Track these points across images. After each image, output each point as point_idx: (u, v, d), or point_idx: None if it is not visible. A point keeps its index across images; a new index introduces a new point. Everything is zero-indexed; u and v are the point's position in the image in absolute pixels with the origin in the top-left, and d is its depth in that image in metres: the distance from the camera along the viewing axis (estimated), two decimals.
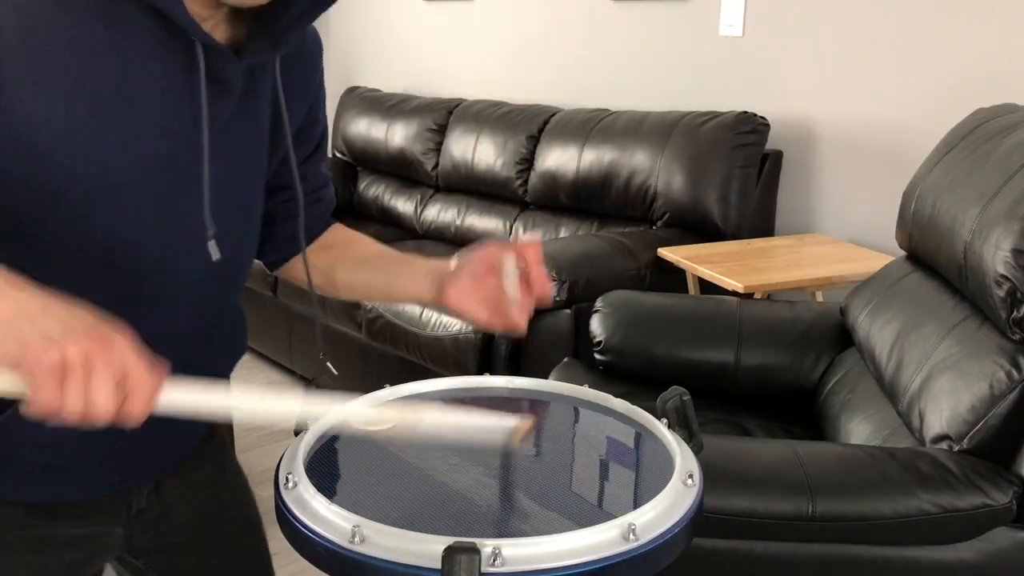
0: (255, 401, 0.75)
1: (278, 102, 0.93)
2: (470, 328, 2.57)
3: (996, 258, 1.45)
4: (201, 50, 0.81)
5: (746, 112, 2.72)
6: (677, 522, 0.69)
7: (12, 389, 0.66)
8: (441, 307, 1.03)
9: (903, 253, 1.96)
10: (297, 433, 0.82)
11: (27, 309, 0.67)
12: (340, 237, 1.13)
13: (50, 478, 0.91)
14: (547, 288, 0.94)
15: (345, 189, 4.00)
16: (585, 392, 0.95)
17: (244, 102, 0.89)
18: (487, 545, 0.62)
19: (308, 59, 0.99)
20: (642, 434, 0.87)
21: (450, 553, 0.60)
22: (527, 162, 3.26)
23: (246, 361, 3.63)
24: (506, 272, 0.92)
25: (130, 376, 0.67)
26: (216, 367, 0.99)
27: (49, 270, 0.76)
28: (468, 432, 0.80)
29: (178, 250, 0.87)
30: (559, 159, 3.09)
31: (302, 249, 1.01)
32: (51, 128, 0.76)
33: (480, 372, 1.97)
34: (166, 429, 0.84)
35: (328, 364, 1.13)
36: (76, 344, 0.64)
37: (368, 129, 3.89)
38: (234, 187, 0.91)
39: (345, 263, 1.09)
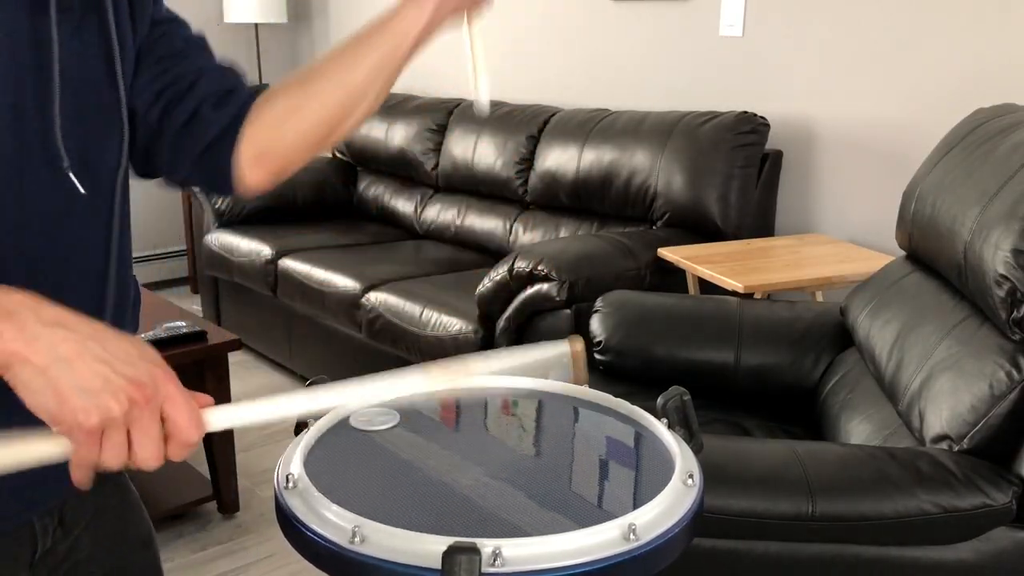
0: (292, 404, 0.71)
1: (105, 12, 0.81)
2: (470, 328, 2.57)
3: (996, 258, 1.45)
4: None
5: (746, 112, 2.72)
6: (677, 522, 0.69)
7: (54, 452, 0.61)
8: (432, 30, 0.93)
9: (903, 253, 1.96)
10: (298, 431, 0.82)
11: (63, 350, 0.60)
12: (269, 96, 0.92)
13: None
14: None
15: (345, 189, 4.00)
16: (585, 392, 0.95)
17: (92, 12, 0.80)
18: (487, 545, 0.62)
19: None
20: (642, 434, 0.87)
21: (450, 553, 0.60)
22: (527, 162, 3.26)
23: (245, 361, 3.63)
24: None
25: (172, 420, 0.63)
26: None
27: None
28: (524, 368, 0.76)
29: (35, 190, 0.75)
30: (559, 159, 3.09)
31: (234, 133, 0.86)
32: None
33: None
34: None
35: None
36: (117, 399, 0.60)
37: (368, 129, 3.90)
38: (81, 116, 0.79)
39: (304, 99, 0.89)
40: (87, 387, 0.59)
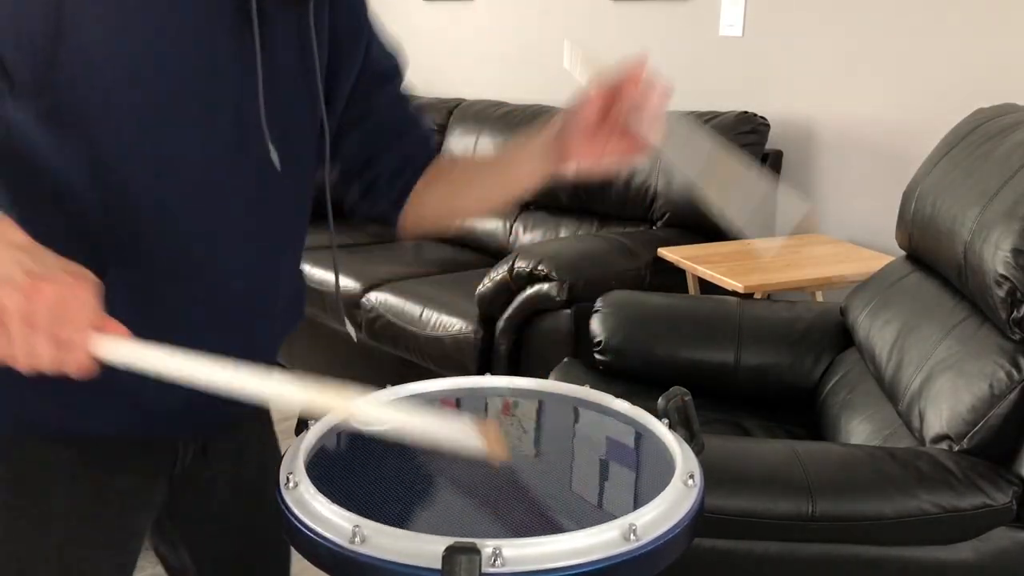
0: (232, 377, 0.74)
1: (323, 27, 0.95)
2: (470, 328, 2.57)
3: (996, 258, 1.45)
4: None
5: (746, 112, 2.72)
6: (678, 522, 0.69)
7: None
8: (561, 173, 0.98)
9: (903, 253, 1.96)
10: (299, 431, 0.82)
11: None
12: (439, 166, 1.10)
13: (101, 407, 0.90)
14: (664, 90, 0.88)
15: None
16: (585, 392, 0.94)
17: (293, 28, 0.91)
18: (487, 545, 0.62)
19: None
20: (643, 434, 0.86)
21: (450, 553, 0.60)
22: None
23: None
24: (634, 107, 0.85)
25: (70, 320, 0.67)
26: (270, 334, 1.02)
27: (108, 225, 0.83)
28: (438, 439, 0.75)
29: (236, 166, 0.89)
30: None
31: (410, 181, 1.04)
32: (110, 58, 0.79)
33: (480, 372, 1.97)
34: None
35: (349, 326, 1.11)
36: (15, 292, 0.65)
37: None
38: (286, 110, 0.92)
39: (453, 187, 1.07)
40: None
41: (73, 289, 0.68)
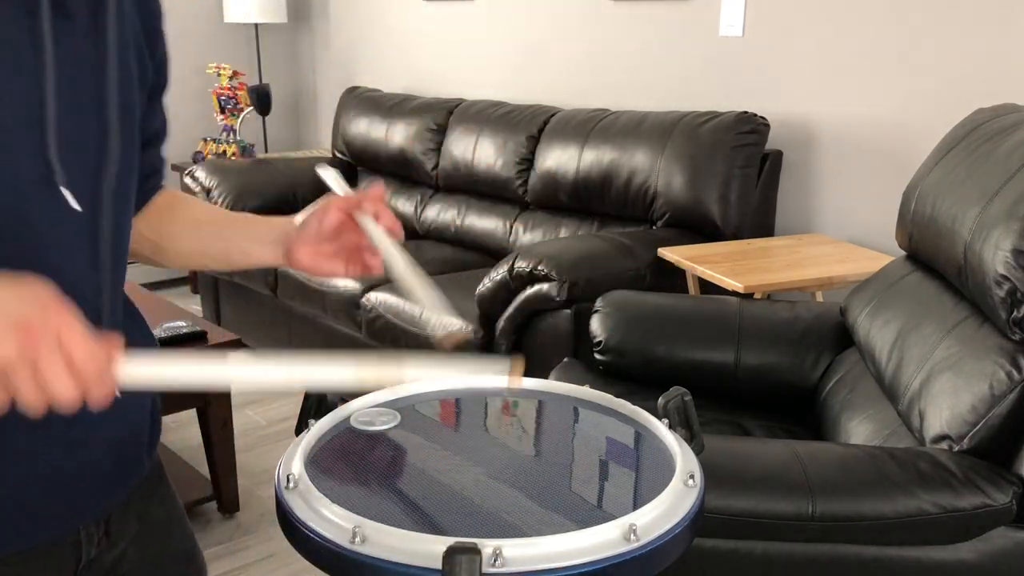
0: (245, 368, 0.71)
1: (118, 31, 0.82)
2: (470, 328, 2.57)
3: (996, 258, 1.45)
4: None
5: (746, 112, 2.72)
6: (678, 522, 0.69)
7: None
8: (288, 268, 1.02)
9: (903, 253, 1.96)
10: (299, 431, 0.82)
11: None
12: (169, 201, 1.02)
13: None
14: (399, 227, 0.93)
15: None
16: (585, 392, 0.94)
17: (90, 35, 0.79)
18: (488, 545, 0.62)
19: None
20: (643, 434, 0.87)
21: (451, 553, 0.60)
22: (527, 162, 3.26)
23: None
24: (367, 227, 0.92)
25: (75, 353, 0.63)
26: None
27: None
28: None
29: (28, 202, 0.75)
30: (559, 159, 3.09)
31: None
32: None
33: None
34: (115, 445, 0.81)
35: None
36: (6, 342, 0.61)
37: (368, 129, 3.90)
38: (84, 128, 0.79)
39: (174, 228, 1.01)
40: None
41: (60, 315, 0.64)
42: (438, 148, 3.64)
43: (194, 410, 2.52)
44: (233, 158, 4.30)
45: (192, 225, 1.02)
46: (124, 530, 0.94)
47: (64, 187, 0.76)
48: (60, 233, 0.78)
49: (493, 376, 0.86)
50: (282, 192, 3.72)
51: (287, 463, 0.77)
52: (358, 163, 4.06)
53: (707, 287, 2.45)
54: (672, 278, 2.53)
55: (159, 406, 0.99)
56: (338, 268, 0.95)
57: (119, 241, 0.86)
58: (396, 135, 3.78)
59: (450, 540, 0.61)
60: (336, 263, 0.95)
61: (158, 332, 2.35)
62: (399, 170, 3.83)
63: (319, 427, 0.84)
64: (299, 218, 0.96)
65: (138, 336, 0.93)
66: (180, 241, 1.01)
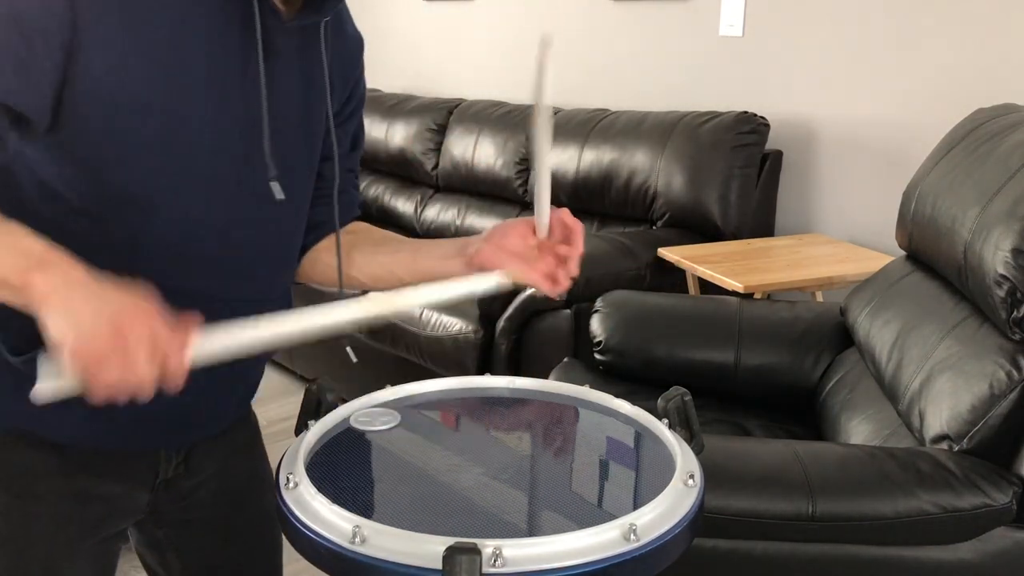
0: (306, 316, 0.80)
1: (323, 72, 0.97)
2: (470, 328, 2.57)
3: (996, 258, 1.45)
4: (257, 5, 0.87)
5: (746, 112, 2.72)
6: (678, 522, 0.69)
7: (71, 387, 0.73)
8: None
9: (903, 253, 1.96)
10: (299, 431, 0.82)
11: (61, 293, 0.73)
12: (359, 227, 1.14)
13: (84, 418, 0.91)
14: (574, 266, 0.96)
15: None
16: (585, 392, 0.95)
17: (296, 64, 0.94)
18: (488, 546, 0.62)
19: (351, 45, 1.04)
20: (643, 434, 0.87)
21: (451, 554, 0.60)
22: (527, 162, 3.26)
23: None
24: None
25: (159, 342, 0.72)
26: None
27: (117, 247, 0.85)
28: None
29: (239, 194, 0.91)
30: (559, 159, 3.09)
31: (335, 224, 1.04)
32: (121, 84, 0.81)
33: (480, 372, 1.97)
34: (199, 395, 0.87)
35: (349, 349, 1.12)
36: (102, 333, 0.70)
37: (368, 129, 3.89)
38: (290, 141, 0.95)
39: (365, 247, 1.09)
40: (83, 323, 0.71)
41: (146, 314, 0.73)
42: (438, 148, 3.64)
43: None
44: None
45: (381, 242, 1.11)
46: (204, 466, 1.06)
47: (276, 181, 0.92)
48: (270, 220, 0.95)
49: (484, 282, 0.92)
50: None
51: (287, 463, 0.77)
52: None
53: (707, 287, 2.45)
54: (672, 278, 2.52)
55: (260, 369, 1.09)
56: (514, 265, 0.95)
57: (294, 248, 1.04)
58: (396, 135, 3.78)
59: (450, 540, 0.61)
60: (516, 262, 0.95)
61: None
62: (399, 170, 3.83)
63: (319, 427, 0.84)
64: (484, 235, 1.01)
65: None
66: (370, 257, 1.08)
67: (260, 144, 0.90)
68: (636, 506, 0.70)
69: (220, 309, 0.82)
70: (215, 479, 1.08)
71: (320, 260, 1.08)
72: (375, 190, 3.93)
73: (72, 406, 0.81)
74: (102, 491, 0.99)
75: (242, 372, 1.03)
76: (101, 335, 0.71)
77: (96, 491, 0.98)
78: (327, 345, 3.25)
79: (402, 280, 1.04)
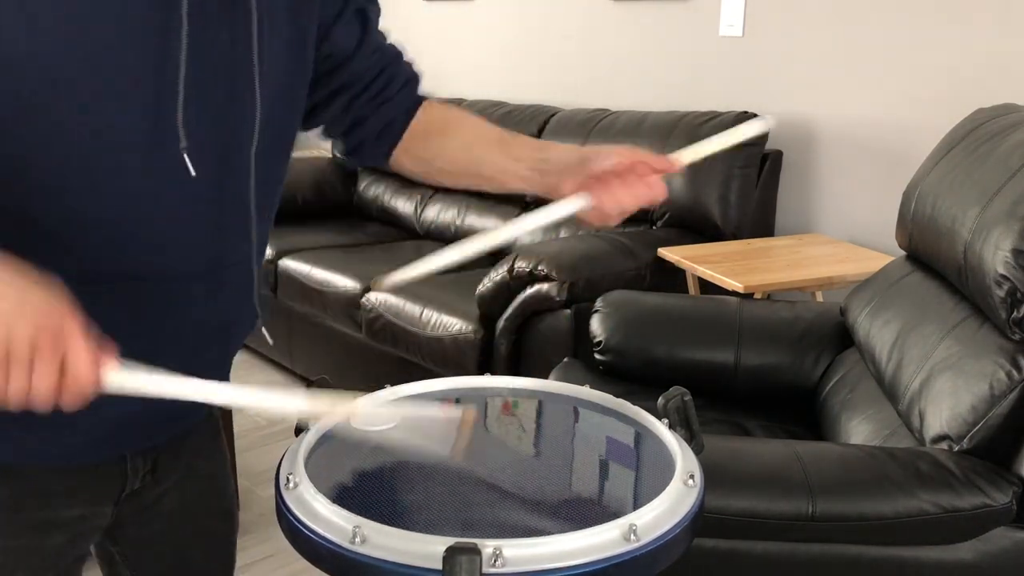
0: (220, 391, 0.75)
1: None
2: (470, 328, 2.57)
3: (996, 258, 1.45)
4: None
5: (746, 112, 2.72)
6: (678, 522, 0.69)
7: None
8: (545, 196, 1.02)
9: (903, 253, 1.96)
10: (299, 432, 0.82)
11: None
12: (433, 117, 1.09)
13: (48, 431, 0.84)
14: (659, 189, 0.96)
15: (345, 189, 4.00)
16: (585, 392, 0.94)
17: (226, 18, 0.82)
18: (488, 546, 0.62)
19: None
20: (643, 434, 0.87)
21: (451, 554, 0.60)
22: None
23: (246, 360, 3.63)
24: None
25: (70, 361, 0.67)
26: (227, 336, 0.95)
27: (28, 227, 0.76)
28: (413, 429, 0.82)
29: (149, 168, 0.79)
30: None
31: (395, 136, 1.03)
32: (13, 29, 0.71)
33: (480, 372, 1.97)
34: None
35: (264, 330, 1.01)
36: (23, 331, 0.65)
37: None
38: (228, 97, 0.83)
39: (445, 152, 1.08)
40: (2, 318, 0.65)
41: (61, 318, 0.67)
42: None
43: None
44: None
45: (464, 147, 1.07)
46: (170, 473, 1.00)
47: (186, 154, 0.80)
48: (182, 206, 0.83)
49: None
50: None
51: (287, 463, 0.77)
52: None
53: (707, 287, 2.45)
54: (672, 278, 2.52)
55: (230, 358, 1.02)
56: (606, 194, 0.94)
57: (262, 200, 0.92)
58: None
59: (450, 540, 0.61)
60: (602, 191, 0.93)
61: None
62: None
63: (319, 427, 0.84)
64: (563, 155, 0.98)
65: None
66: (454, 163, 1.07)
67: (173, 109, 0.78)
68: (636, 506, 0.70)
69: (146, 288, 0.80)
70: (176, 489, 1.01)
71: (404, 166, 1.10)
72: (375, 190, 3.92)
73: (21, 420, 0.73)
74: (64, 516, 0.90)
75: (214, 362, 0.96)
76: (16, 337, 0.65)
77: (57, 518, 0.90)
78: (327, 345, 3.26)
79: (480, 181, 1.04)
